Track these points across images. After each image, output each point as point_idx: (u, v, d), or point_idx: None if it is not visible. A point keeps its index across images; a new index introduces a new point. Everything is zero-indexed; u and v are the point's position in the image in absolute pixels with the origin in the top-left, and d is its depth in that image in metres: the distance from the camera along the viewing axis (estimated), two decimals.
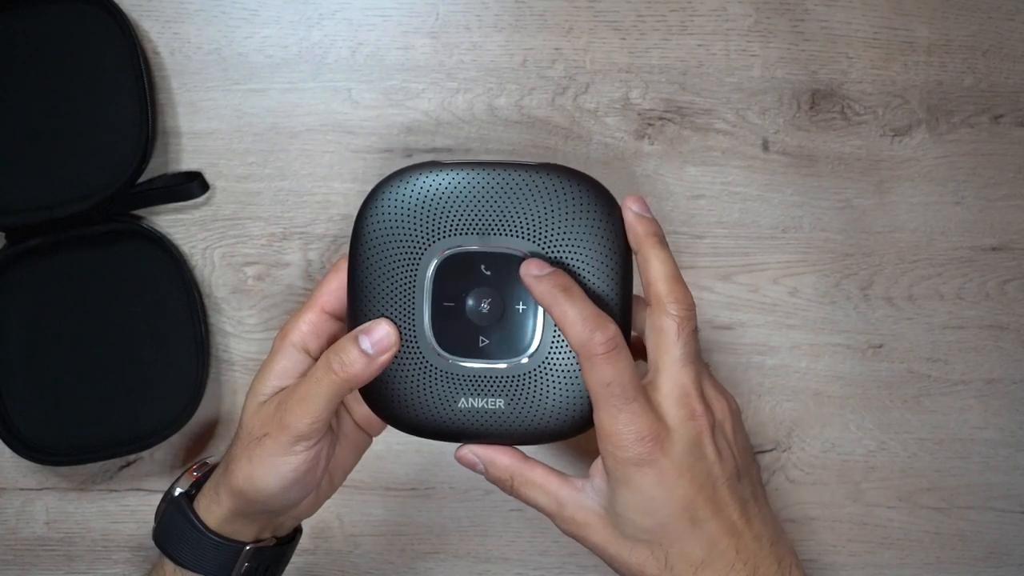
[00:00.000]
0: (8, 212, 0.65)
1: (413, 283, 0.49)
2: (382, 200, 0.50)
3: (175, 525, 0.54)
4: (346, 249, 0.52)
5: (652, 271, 0.48)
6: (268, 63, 0.67)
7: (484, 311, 0.49)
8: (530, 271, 0.47)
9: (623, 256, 0.49)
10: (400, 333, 0.49)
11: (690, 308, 0.48)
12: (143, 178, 0.66)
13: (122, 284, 0.67)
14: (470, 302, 0.49)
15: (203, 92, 0.67)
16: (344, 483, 0.56)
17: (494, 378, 0.49)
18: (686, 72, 0.68)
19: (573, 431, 0.50)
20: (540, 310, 0.49)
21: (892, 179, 0.69)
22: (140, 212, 0.67)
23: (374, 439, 0.56)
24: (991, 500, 0.71)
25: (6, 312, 0.66)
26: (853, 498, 0.70)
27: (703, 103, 0.68)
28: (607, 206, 0.49)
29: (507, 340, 0.49)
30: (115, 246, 0.66)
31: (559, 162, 0.51)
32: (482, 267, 0.49)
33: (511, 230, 0.49)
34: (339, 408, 0.54)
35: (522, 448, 0.51)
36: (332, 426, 0.52)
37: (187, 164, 0.67)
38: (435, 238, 0.49)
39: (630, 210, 0.49)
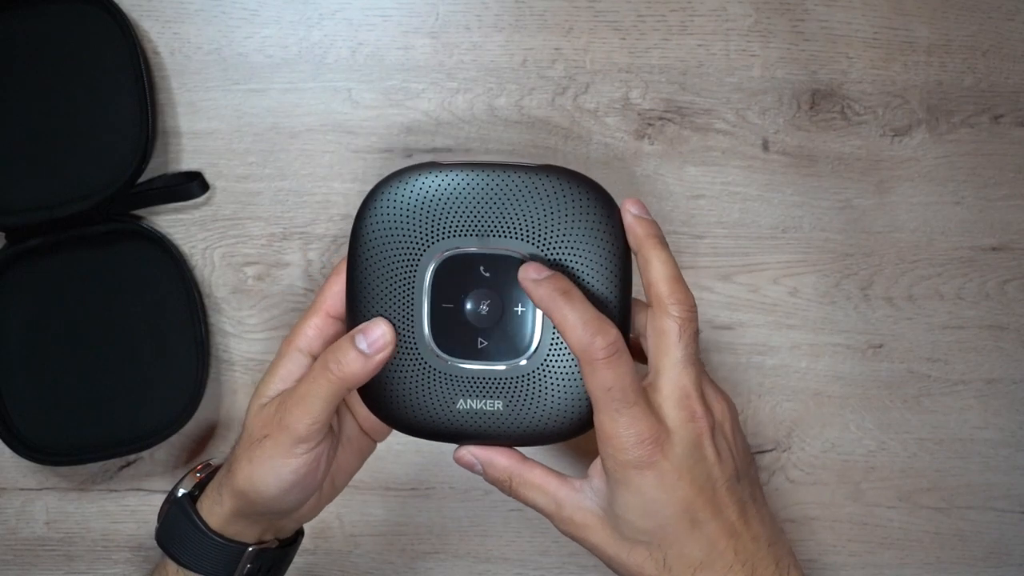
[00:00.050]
0: (8, 212, 0.65)
1: (412, 284, 0.49)
2: (381, 201, 0.50)
3: (178, 526, 0.54)
4: (346, 250, 0.52)
5: (653, 272, 0.48)
6: (268, 63, 0.67)
7: (483, 313, 0.49)
8: (529, 275, 0.47)
9: (622, 258, 0.49)
10: (396, 332, 0.49)
11: (692, 309, 0.48)
12: (143, 178, 0.66)
13: (122, 284, 0.67)
14: (469, 304, 0.49)
15: (203, 92, 0.67)
16: None
17: (493, 379, 0.49)
18: (686, 72, 0.68)
19: (572, 433, 0.50)
20: (539, 312, 0.49)
21: (892, 179, 0.69)
22: (140, 212, 0.67)
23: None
24: (991, 500, 0.71)
25: (6, 312, 0.66)
26: (853, 498, 0.70)
27: (703, 103, 0.68)
28: (606, 208, 0.49)
29: (506, 342, 0.49)
30: (115, 246, 0.66)
31: (559, 162, 0.51)
32: (481, 268, 0.49)
33: (510, 232, 0.49)
34: (343, 412, 0.54)
35: (521, 449, 0.51)
36: (333, 428, 0.52)
37: (187, 164, 0.67)
38: (434, 239, 0.49)
39: (629, 212, 0.49)
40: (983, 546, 0.71)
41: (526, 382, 0.49)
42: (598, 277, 0.49)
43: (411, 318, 0.49)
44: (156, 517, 0.56)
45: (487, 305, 0.49)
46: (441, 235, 0.49)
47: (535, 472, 0.50)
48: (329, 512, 0.56)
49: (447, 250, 0.49)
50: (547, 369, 0.49)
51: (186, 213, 0.68)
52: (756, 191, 0.69)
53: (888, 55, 0.68)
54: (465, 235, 0.49)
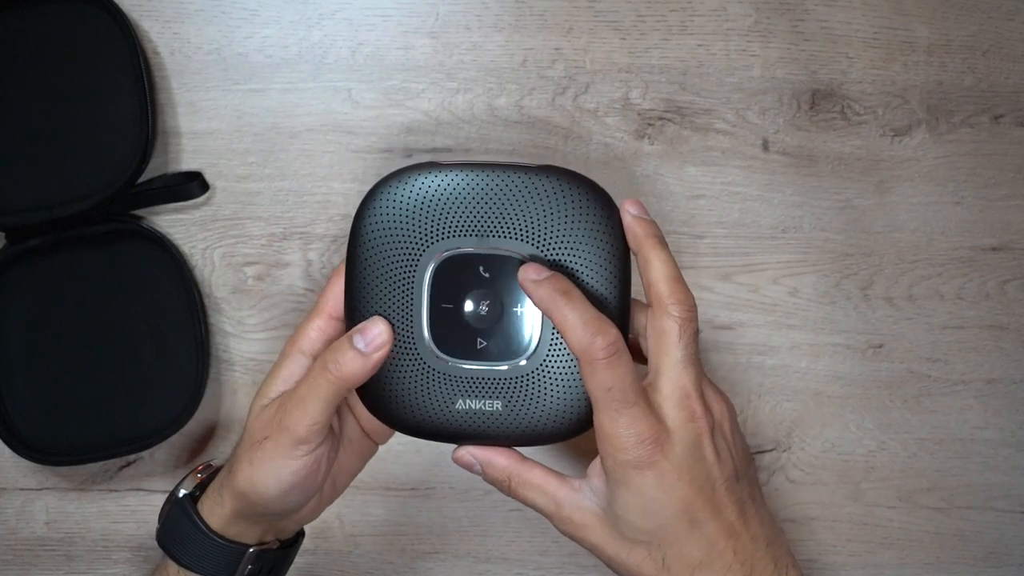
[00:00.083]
0: (8, 212, 0.65)
1: (411, 284, 0.49)
2: (380, 201, 0.50)
3: (179, 526, 0.54)
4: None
5: (653, 272, 0.48)
6: (268, 63, 0.67)
7: (482, 313, 0.49)
8: (528, 276, 0.47)
9: (622, 258, 0.49)
10: (393, 331, 0.49)
11: (692, 309, 0.48)
12: (143, 178, 0.66)
13: (122, 284, 0.67)
14: (468, 304, 0.49)
15: (203, 92, 0.67)
16: None
17: (492, 380, 0.49)
18: (686, 72, 0.68)
19: (571, 433, 0.50)
20: (538, 312, 0.49)
21: (892, 179, 0.69)
22: (140, 212, 0.67)
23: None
24: (991, 500, 0.71)
25: (6, 312, 0.66)
26: (853, 498, 0.70)
27: (703, 103, 0.68)
28: (606, 208, 0.49)
29: (505, 342, 0.49)
30: (115, 246, 0.66)
31: (559, 162, 0.51)
32: (480, 269, 0.49)
33: (510, 232, 0.49)
34: (345, 414, 0.54)
35: (520, 449, 0.51)
36: (334, 430, 0.52)
37: (187, 164, 0.67)
38: (433, 239, 0.49)
39: (628, 212, 0.49)
40: (983, 546, 0.71)
41: (525, 382, 0.49)
42: (597, 277, 0.49)
43: (410, 318, 0.49)
44: (156, 517, 0.56)
45: (486, 305, 0.49)
46: (440, 235, 0.49)
47: (534, 472, 0.50)
48: (329, 512, 0.56)
49: (446, 250, 0.49)
50: (546, 369, 0.49)
51: (186, 213, 0.68)
52: (756, 191, 0.69)
53: (888, 55, 0.68)
54: (464, 235, 0.49)
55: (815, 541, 0.70)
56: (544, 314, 0.48)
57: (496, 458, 0.50)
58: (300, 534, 0.57)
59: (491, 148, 0.68)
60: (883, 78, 0.68)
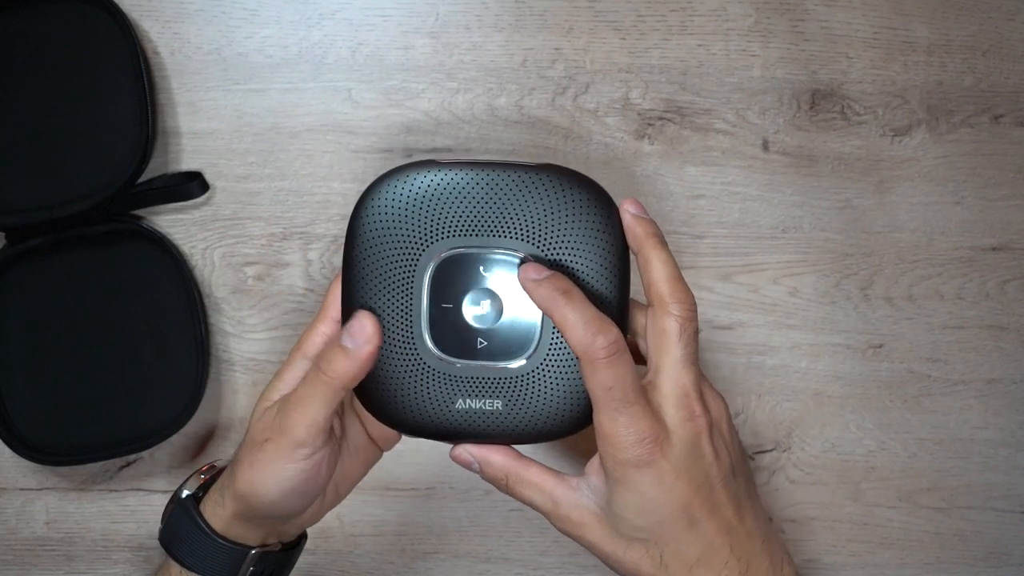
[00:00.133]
0: (8, 212, 0.65)
1: (410, 284, 0.49)
2: (378, 199, 0.49)
3: (181, 527, 0.54)
4: None
5: (654, 271, 0.48)
6: (268, 63, 0.67)
7: (482, 313, 0.49)
8: (529, 275, 0.47)
9: (621, 258, 0.49)
10: (381, 324, 0.48)
11: (692, 309, 0.48)
12: (143, 178, 0.66)
13: (122, 284, 0.67)
14: (468, 304, 0.49)
15: (203, 92, 0.67)
16: None
17: (492, 379, 0.49)
18: (686, 72, 0.68)
19: (571, 430, 0.50)
20: (538, 311, 0.49)
21: (892, 179, 0.69)
22: (140, 212, 0.67)
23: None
24: (991, 500, 0.71)
25: (6, 312, 0.66)
26: (853, 498, 0.70)
27: (703, 103, 0.68)
28: (605, 208, 0.49)
29: (505, 342, 0.49)
30: (115, 246, 0.66)
31: (559, 162, 0.51)
32: (480, 268, 0.49)
33: (509, 231, 0.49)
34: (352, 420, 0.54)
35: (518, 447, 0.51)
36: (335, 433, 0.52)
37: (187, 164, 0.67)
38: (432, 239, 0.49)
39: (628, 212, 0.49)
40: (983, 546, 0.71)
41: (526, 381, 0.49)
42: (597, 277, 0.49)
43: (409, 318, 0.49)
44: (156, 517, 0.56)
45: (486, 305, 0.49)
46: (440, 234, 0.49)
47: (531, 470, 0.50)
48: (330, 512, 0.56)
49: (446, 249, 0.49)
50: (547, 368, 0.49)
51: (186, 213, 0.68)
52: (756, 191, 0.69)
53: (888, 55, 0.68)
54: (464, 234, 0.49)
55: (815, 541, 0.70)
56: (544, 313, 0.48)
57: (494, 456, 0.50)
58: (303, 536, 0.57)
59: (491, 148, 0.68)
60: (883, 78, 0.68)
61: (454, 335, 0.49)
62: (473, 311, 0.49)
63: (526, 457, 0.50)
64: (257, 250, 0.68)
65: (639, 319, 0.50)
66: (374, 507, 0.69)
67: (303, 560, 0.57)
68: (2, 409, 0.66)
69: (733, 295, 0.69)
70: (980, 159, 0.69)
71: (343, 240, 0.50)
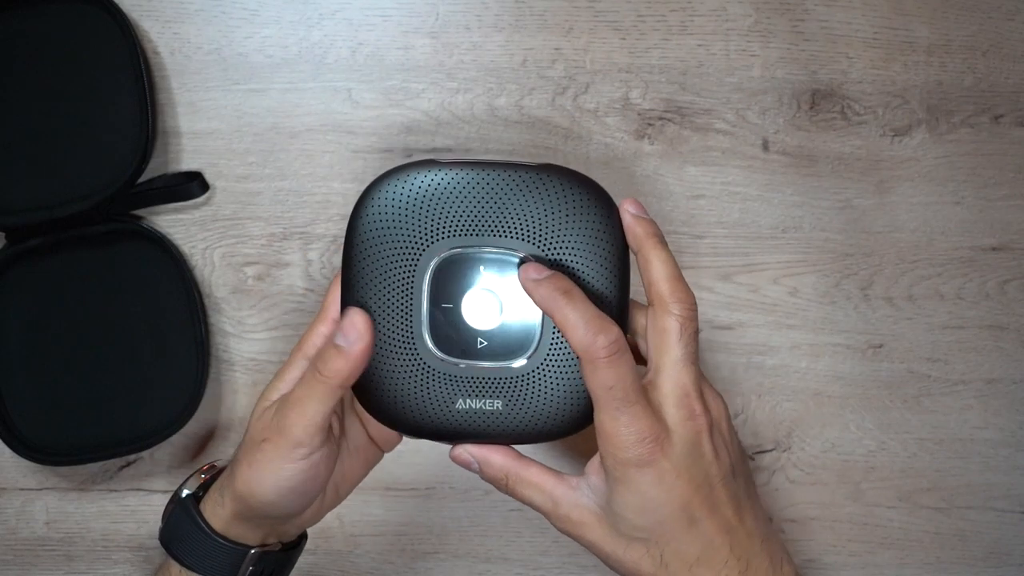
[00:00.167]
0: (8, 212, 0.65)
1: (410, 284, 0.49)
2: (377, 198, 0.49)
3: (181, 526, 0.54)
4: None
5: (654, 271, 0.48)
6: (268, 63, 0.67)
7: (482, 313, 0.49)
8: (529, 275, 0.47)
9: (621, 258, 0.49)
10: (373, 321, 0.47)
11: (692, 308, 0.48)
12: (143, 178, 0.66)
13: (122, 284, 0.67)
14: (468, 304, 0.49)
15: (203, 92, 0.67)
16: None
17: (492, 379, 0.49)
18: (686, 72, 0.68)
19: (571, 430, 0.50)
20: (539, 311, 0.49)
21: (892, 179, 0.69)
22: (140, 212, 0.67)
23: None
24: (991, 500, 0.71)
25: (6, 312, 0.66)
26: (853, 498, 0.70)
27: (703, 103, 0.68)
28: (605, 208, 0.49)
29: (506, 342, 0.49)
30: (115, 246, 0.66)
31: (559, 162, 0.51)
32: (480, 268, 0.49)
33: (509, 231, 0.49)
34: (353, 421, 0.54)
35: (518, 447, 0.51)
36: (334, 433, 0.52)
37: (187, 164, 0.67)
38: (432, 239, 0.49)
39: (628, 212, 0.49)
40: (983, 546, 0.71)
41: (526, 381, 0.49)
42: (597, 277, 0.49)
43: (409, 318, 0.49)
44: (156, 517, 0.56)
45: (486, 305, 0.49)
46: (440, 234, 0.49)
47: (531, 470, 0.50)
48: (330, 512, 0.56)
49: (446, 249, 0.49)
50: (547, 368, 0.49)
51: (186, 213, 0.68)
52: (756, 191, 0.69)
53: (888, 55, 0.68)
54: (464, 234, 0.49)
55: (815, 541, 0.70)
56: (545, 313, 0.48)
57: (493, 456, 0.50)
58: (303, 537, 0.57)
59: (491, 148, 0.68)
60: (883, 78, 0.68)
61: (454, 335, 0.49)
62: (473, 311, 0.49)
63: (526, 457, 0.50)
64: (257, 250, 0.68)
65: (639, 319, 0.50)
66: (374, 507, 0.69)
67: (303, 560, 0.57)
68: (2, 409, 0.66)
69: (733, 295, 0.69)
70: (980, 159, 0.69)
71: (343, 240, 0.50)
